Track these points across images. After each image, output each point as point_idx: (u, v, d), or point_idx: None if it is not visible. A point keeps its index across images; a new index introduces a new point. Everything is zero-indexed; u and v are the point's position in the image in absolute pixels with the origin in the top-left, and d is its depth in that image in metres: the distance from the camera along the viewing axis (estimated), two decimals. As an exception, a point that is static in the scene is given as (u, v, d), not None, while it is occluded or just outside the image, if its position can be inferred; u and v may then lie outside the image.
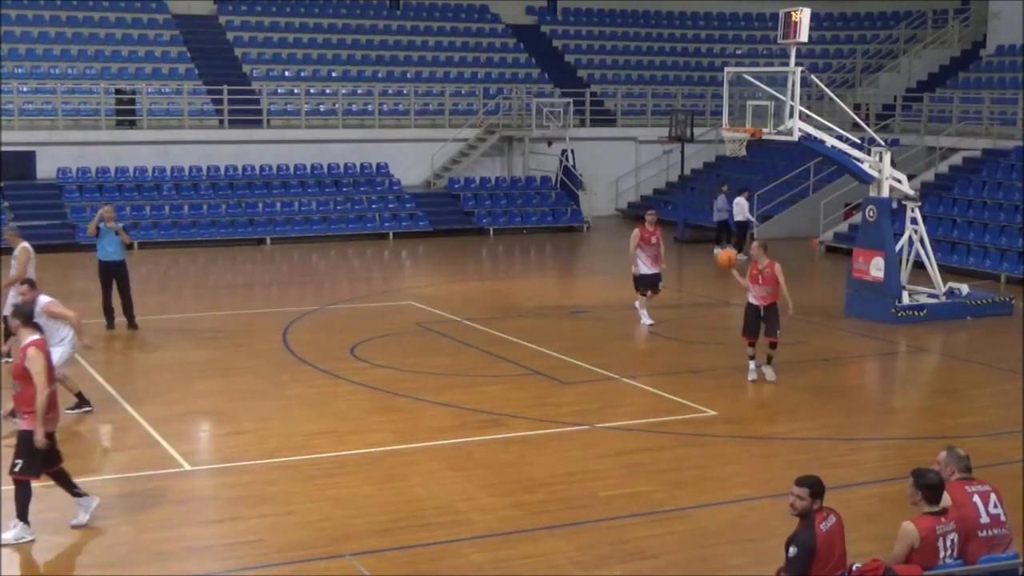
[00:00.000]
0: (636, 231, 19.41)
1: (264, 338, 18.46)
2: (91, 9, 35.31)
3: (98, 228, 18.74)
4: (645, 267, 19.30)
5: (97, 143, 30.85)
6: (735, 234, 28.03)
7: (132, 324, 18.76)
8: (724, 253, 17.74)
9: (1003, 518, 8.24)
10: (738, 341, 18.41)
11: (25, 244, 16.36)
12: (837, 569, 7.70)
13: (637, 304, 19.60)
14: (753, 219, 28.62)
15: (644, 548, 10.09)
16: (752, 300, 15.75)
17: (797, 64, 20.17)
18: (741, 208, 28.04)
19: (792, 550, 7.61)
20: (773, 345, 15.85)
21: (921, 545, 7.82)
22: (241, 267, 27.12)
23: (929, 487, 7.94)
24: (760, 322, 15.70)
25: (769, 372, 15.87)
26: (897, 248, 20.80)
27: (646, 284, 19.41)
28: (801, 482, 7.80)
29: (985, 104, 31.82)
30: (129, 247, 19.17)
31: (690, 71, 40.63)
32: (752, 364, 15.82)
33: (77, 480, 11.69)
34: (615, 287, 24.66)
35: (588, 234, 32.92)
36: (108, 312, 18.80)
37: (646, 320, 19.29)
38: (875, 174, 20.51)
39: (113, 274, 18.74)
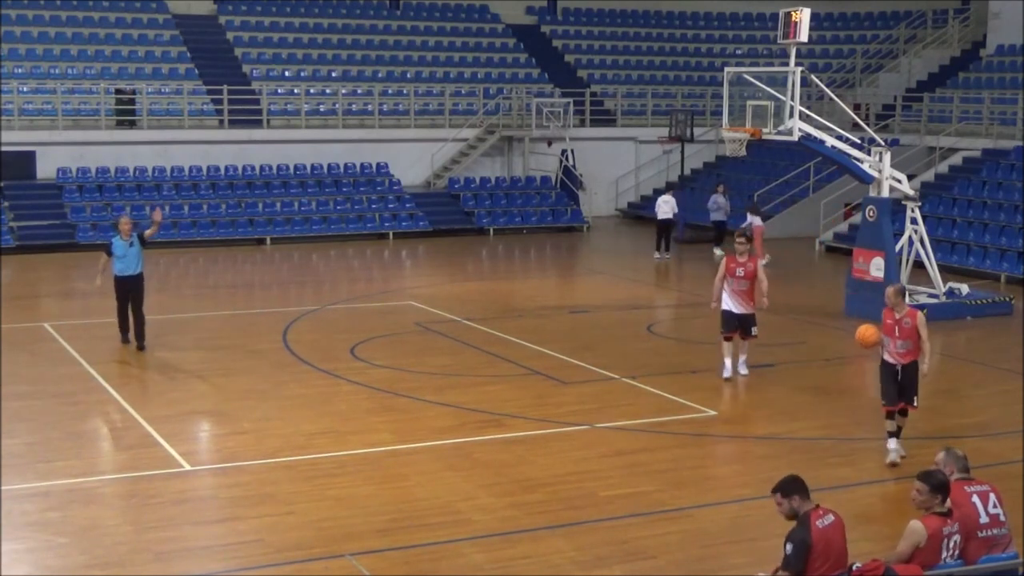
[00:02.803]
0: (723, 260, 15.97)
1: (264, 338, 18.46)
2: (91, 9, 35.30)
3: (109, 246, 17.48)
4: (731, 303, 15.67)
5: (97, 143, 30.84)
6: (663, 231, 28.10)
7: (140, 345, 17.38)
8: (869, 335, 12.88)
9: (1003, 518, 8.24)
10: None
11: None
12: (836, 568, 7.71)
13: (724, 351, 15.87)
14: (676, 216, 28.47)
15: (644, 548, 10.09)
16: (887, 358, 12.47)
17: (797, 64, 20.17)
18: (671, 206, 28.10)
19: (788, 547, 7.65)
20: (904, 412, 12.58)
21: (927, 545, 7.82)
22: (241, 267, 27.12)
23: (943, 486, 7.96)
24: (899, 385, 12.47)
25: (895, 446, 12.48)
26: (897, 248, 20.81)
27: (732, 324, 15.71)
28: (774, 490, 7.89)
29: (985, 104, 31.83)
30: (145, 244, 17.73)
31: (690, 71, 40.64)
32: (893, 443, 12.45)
33: (77, 481, 11.74)
34: (615, 287, 24.69)
35: (588, 234, 32.92)
36: (124, 327, 17.52)
37: (726, 371, 15.71)
38: (875, 174, 20.51)
39: (129, 289, 17.38)
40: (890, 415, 12.48)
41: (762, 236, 26.58)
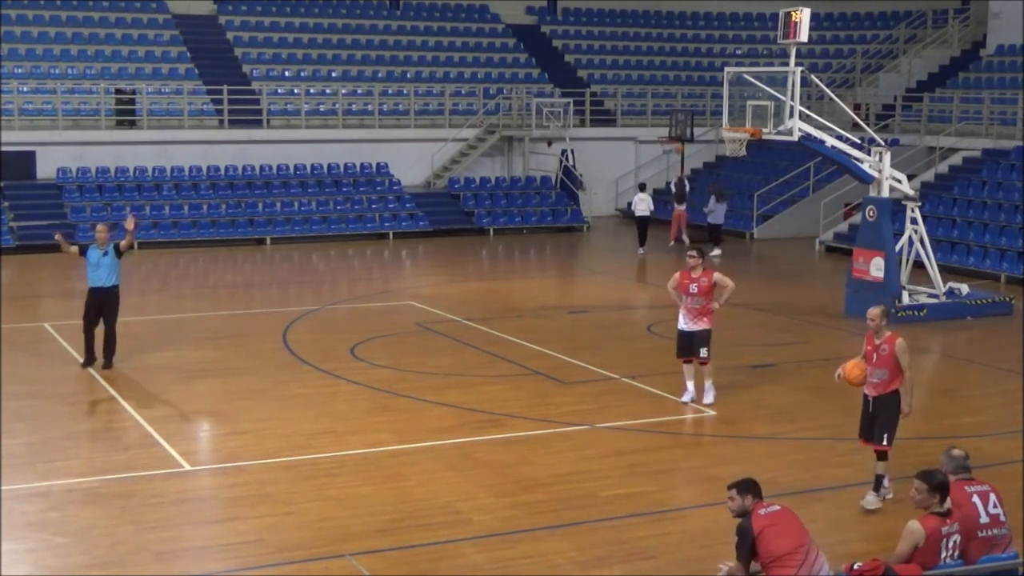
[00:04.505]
0: (676, 275, 14.58)
1: (264, 338, 18.46)
2: (91, 9, 35.30)
3: (85, 249, 16.42)
4: (682, 321, 14.41)
5: (97, 143, 30.84)
6: (642, 228, 29.03)
7: (108, 363, 16.18)
8: (855, 375, 11.34)
9: (1003, 518, 8.25)
10: (737, 341, 18.44)
11: None
12: (800, 544, 7.91)
13: (685, 373, 14.69)
14: (649, 213, 29.24)
15: (644, 548, 10.09)
16: (865, 388, 11.30)
17: (797, 64, 20.18)
18: (648, 204, 29.07)
19: (735, 538, 8.11)
20: (881, 455, 11.13)
21: (925, 545, 7.84)
22: (241, 267, 27.12)
23: (942, 486, 7.99)
24: (872, 420, 11.17)
25: (871, 498, 11.12)
26: (897, 248, 20.81)
27: (684, 346, 14.46)
28: (729, 487, 8.29)
29: (985, 104, 31.82)
30: (130, 247, 17.15)
31: (690, 71, 40.63)
32: (879, 489, 11.20)
33: (77, 481, 11.74)
34: (615, 287, 24.70)
35: (588, 234, 32.93)
36: (90, 345, 16.28)
37: (685, 396, 14.59)
38: (875, 174, 20.51)
39: (101, 301, 16.24)
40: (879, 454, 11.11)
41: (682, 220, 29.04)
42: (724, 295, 14.32)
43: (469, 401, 14.69)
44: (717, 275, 14.31)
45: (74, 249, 16.95)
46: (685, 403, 14.56)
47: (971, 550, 8.02)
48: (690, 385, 14.58)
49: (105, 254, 16.22)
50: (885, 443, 11.05)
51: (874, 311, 11.15)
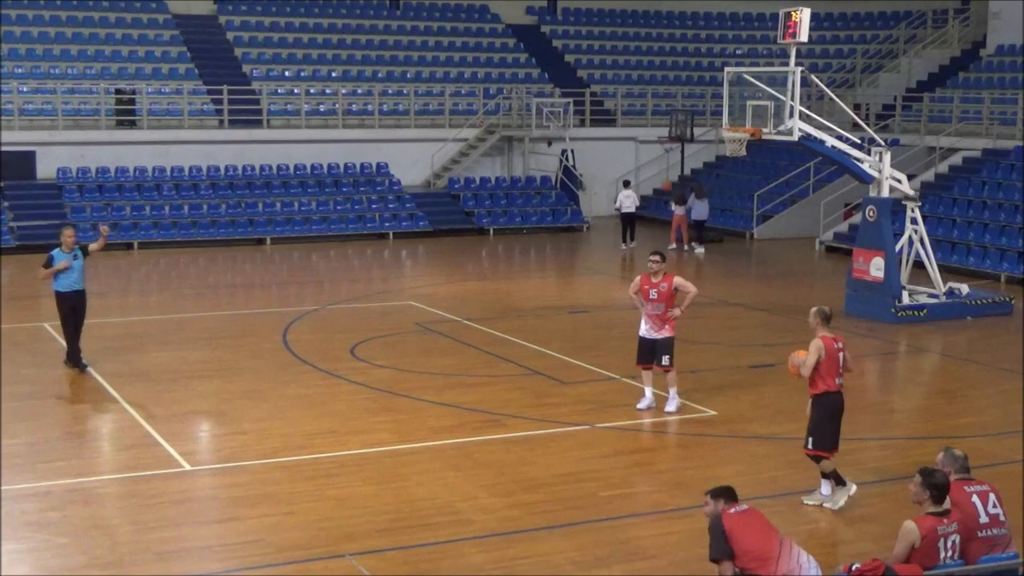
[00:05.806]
0: (637, 279, 14.16)
1: (264, 338, 18.46)
2: (91, 9, 35.31)
3: (52, 258, 15.85)
4: (643, 327, 14.04)
5: (97, 143, 30.85)
6: (628, 224, 29.89)
7: (70, 361, 16.10)
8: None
9: (1002, 518, 8.26)
10: (737, 341, 18.45)
11: None
12: (770, 539, 8.06)
13: (643, 379, 14.37)
14: (635, 209, 30.08)
15: (644, 548, 10.10)
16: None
17: (797, 64, 20.18)
18: (633, 200, 29.90)
19: (708, 538, 8.23)
20: (816, 460, 11.21)
21: (922, 545, 7.84)
22: (241, 267, 27.11)
23: (938, 487, 8.00)
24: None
25: (824, 490, 11.21)
26: (897, 248, 20.82)
27: (645, 353, 14.02)
28: (705, 492, 8.49)
29: (985, 104, 31.83)
30: (98, 249, 16.39)
31: (690, 71, 40.64)
32: (825, 488, 11.26)
33: (77, 481, 11.73)
34: (615, 287, 24.68)
35: (588, 234, 32.93)
36: (76, 350, 16.10)
37: (642, 402, 14.22)
38: (875, 174, 20.52)
39: (75, 306, 15.97)
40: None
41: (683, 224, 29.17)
42: (686, 300, 13.96)
43: (469, 401, 14.69)
44: (678, 280, 13.88)
45: (44, 272, 15.99)
46: (641, 410, 14.17)
47: (971, 550, 8.02)
48: (648, 392, 14.23)
49: (75, 258, 15.91)
50: (809, 446, 11.02)
51: (811, 311, 11.18)
